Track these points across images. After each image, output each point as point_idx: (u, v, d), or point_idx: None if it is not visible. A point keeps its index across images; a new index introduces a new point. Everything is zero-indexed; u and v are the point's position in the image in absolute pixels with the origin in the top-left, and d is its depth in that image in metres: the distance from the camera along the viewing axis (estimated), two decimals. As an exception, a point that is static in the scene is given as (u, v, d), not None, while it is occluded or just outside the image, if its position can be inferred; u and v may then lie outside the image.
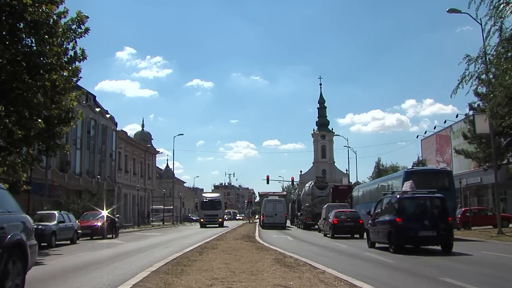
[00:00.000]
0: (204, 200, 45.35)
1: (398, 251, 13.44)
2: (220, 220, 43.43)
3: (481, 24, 18.11)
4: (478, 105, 28.12)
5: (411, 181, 17.42)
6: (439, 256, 12.75)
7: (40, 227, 17.49)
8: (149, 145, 60.92)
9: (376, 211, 16.12)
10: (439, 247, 14.05)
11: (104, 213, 24.70)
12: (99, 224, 23.37)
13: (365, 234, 18.32)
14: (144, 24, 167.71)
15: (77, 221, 21.22)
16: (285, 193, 74.32)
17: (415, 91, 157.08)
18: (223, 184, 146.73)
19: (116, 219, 27.19)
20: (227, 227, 39.26)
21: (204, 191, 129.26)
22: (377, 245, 15.58)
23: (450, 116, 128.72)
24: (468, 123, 31.19)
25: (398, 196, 14.66)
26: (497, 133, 24.07)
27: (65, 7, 15.21)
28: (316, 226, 31.75)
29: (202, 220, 43.73)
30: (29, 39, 14.76)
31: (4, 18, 13.94)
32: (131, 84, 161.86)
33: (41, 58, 14.48)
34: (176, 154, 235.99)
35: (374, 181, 38.08)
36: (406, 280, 8.27)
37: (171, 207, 64.39)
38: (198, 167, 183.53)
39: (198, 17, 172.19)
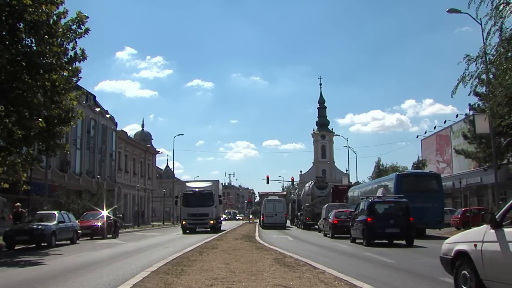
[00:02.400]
0: (188, 191, 31.31)
1: (369, 245, 16.08)
2: (211, 222, 29.72)
3: (481, 24, 18.10)
4: (478, 105, 28.08)
5: (382, 188, 22.61)
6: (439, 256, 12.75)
7: (40, 227, 17.52)
8: (149, 145, 60.93)
9: (355, 213, 19.22)
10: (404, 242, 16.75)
11: (104, 213, 24.68)
12: (99, 224, 23.37)
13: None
14: (144, 25, 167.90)
15: (77, 221, 21.22)
16: (285, 193, 74.44)
17: (415, 91, 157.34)
18: (223, 184, 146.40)
19: (117, 219, 27.19)
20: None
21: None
22: (357, 240, 18.06)
23: (450, 116, 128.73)
24: (468, 123, 31.18)
25: (370, 200, 17.86)
26: (497, 133, 24.06)
27: (65, 8, 15.27)
28: (316, 226, 31.75)
29: (184, 222, 30.05)
30: (29, 39, 14.78)
31: (4, 18, 13.96)
32: (131, 84, 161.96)
33: (41, 58, 14.49)
34: (176, 154, 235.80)
35: (369, 182, 39.16)
36: (406, 280, 8.27)
37: (168, 208, 64.14)
38: (198, 167, 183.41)
39: (198, 18, 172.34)
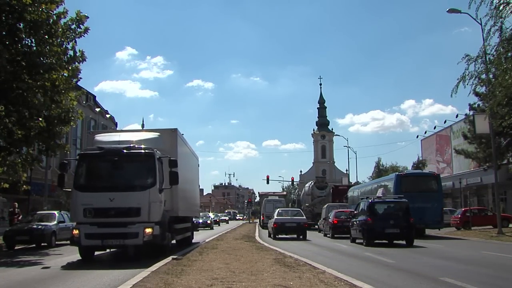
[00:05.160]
0: (90, 152, 12.07)
1: (369, 245, 16.01)
2: (148, 231, 10.76)
3: (481, 24, 18.11)
4: (478, 105, 28.06)
5: (382, 188, 22.50)
6: (439, 256, 12.76)
7: (40, 227, 17.50)
8: (149, 145, 60.74)
9: (355, 213, 19.38)
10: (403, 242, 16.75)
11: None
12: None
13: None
14: (144, 25, 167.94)
15: (77, 221, 21.20)
16: (285, 193, 74.34)
17: (414, 92, 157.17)
18: (223, 184, 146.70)
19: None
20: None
21: (204, 192, 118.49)
22: (357, 240, 18.01)
23: (450, 116, 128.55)
24: (468, 123, 31.15)
25: (370, 201, 17.88)
26: (497, 133, 24.05)
27: (64, 7, 15.28)
28: (316, 226, 31.74)
29: (76, 231, 10.95)
30: (29, 39, 14.78)
31: (4, 18, 13.96)
32: (131, 85, 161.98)
33: (41, 58, 14.50)
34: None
35: (369, 182, 39.15)
36: (406, 280, 8.27)
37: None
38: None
39: (198, 18, 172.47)
